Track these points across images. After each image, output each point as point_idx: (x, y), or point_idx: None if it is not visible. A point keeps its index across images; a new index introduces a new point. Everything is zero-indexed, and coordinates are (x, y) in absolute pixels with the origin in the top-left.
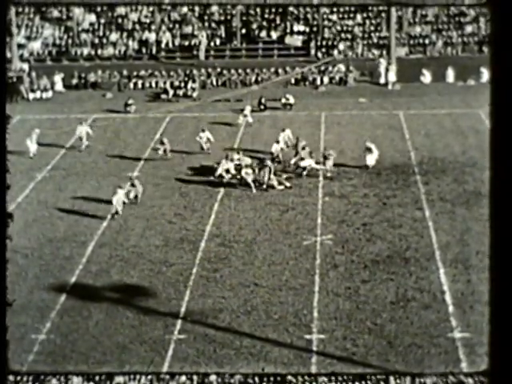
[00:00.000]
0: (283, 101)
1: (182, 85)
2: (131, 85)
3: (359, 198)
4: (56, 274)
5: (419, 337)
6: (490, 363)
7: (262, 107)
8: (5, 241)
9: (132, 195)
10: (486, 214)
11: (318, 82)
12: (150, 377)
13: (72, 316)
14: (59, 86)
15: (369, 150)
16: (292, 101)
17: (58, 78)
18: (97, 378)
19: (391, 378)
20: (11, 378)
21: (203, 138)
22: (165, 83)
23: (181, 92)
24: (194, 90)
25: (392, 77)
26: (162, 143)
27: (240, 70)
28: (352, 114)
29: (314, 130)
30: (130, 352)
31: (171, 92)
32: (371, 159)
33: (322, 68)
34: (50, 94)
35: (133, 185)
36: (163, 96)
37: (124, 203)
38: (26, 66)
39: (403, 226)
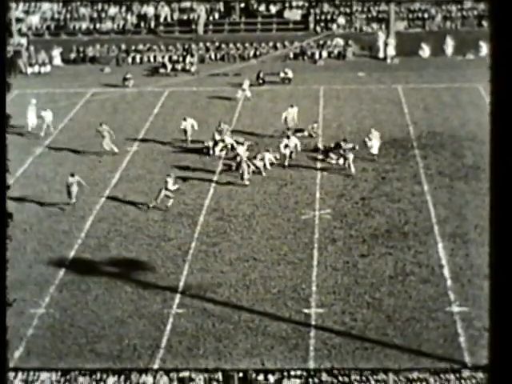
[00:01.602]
0: (282, 75)
1: (181, 59)
2: (129, 59)
3: (358, 173)
4: (55, 249)
5: (417, 311)
6: (489, 358)
7: (261, 81)
8: (5, 241)
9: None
10: (484, 187)
11: (317, 56)
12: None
13: (71, 290)
14: (57, 61)
15: (371, 139)
16: (291, 75)
17: (56, 53)
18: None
19: (390, 374)
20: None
21: (187, 127)
22: (163, 57)
23: (179, 66)
24: (192, 64)
25: (391, 51)
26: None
27: (238, 45)
28: (351, 88)
29: (313, 105)
30: (128, 326)
31: (169, 66)
32: (375, 148)
33: (321, 42)
34: (48, 68)
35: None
36: (161, 70)
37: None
38: (24, 41)
39: (402, 200)
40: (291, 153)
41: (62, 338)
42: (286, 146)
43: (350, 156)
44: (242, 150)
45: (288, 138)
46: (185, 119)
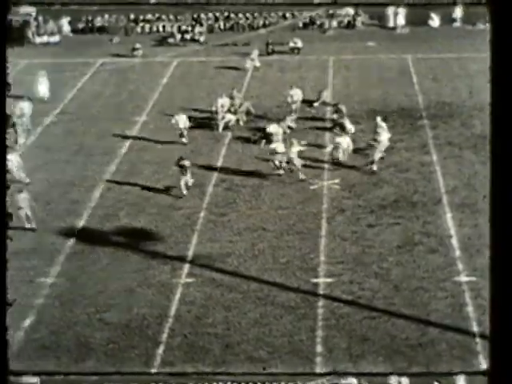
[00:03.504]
0: (291, 45)
1: (190, 29)
2: (138, 29)
3: (366, 142)
4: (64, 218)
5: (425, 280)
6: (490, 363)
7: (270, 51)
8: (5, 241)
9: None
10: None
11: (326, 25)
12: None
13: (80, 260)
14: (66, 31)
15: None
16: (300, 45)
17: (64, 22)
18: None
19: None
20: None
21: (179, 123)
22: (172, 27)
23: (188, 36)
24: (201, 34)
25: (400, 20)
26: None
27: (247, 14)
28: (360, 58)
29: (322, 75)
30: (137, 295)
31: (178, 36)
32: (384, 144)
33: (330, 12)
34: (57, 38)
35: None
36: (170, 40)
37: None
38: (32, 10)
39: (410, 170)
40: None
41: (71, 308)
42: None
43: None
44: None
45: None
46: (177, 114)
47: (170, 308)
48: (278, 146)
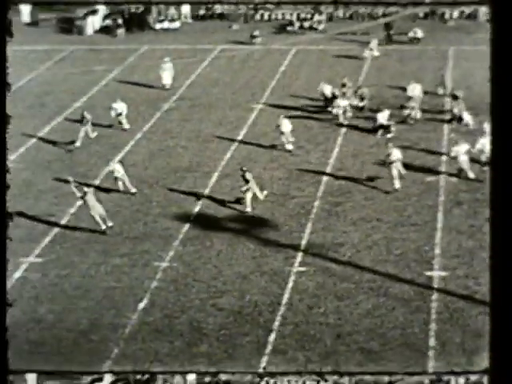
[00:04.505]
0: (411, 34)
1: (309, 17)
2: (257, 16)
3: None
4: (180, 204)
5: None
6: (490, 361)
7: (389, 41)
8: (5, 241)
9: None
10: None
11: (448, 15)
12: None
13: (195, 245)
14: (186, 17)
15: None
16: (420, 35)
17: (185, 9)
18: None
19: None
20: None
21: (282, 127)
22: (291, 15)
23: (307, 24)
24: (320, 22)
25: None
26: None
27: (367, 3)
28: (482, 49)
29: (441, 65)
30: (250, 282)
31: (297, 24)
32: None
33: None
34: (177, 24)
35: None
36: (289, 28)
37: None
38: None
39: None
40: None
41: (184, 292)
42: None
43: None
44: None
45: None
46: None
47: (283, 296)
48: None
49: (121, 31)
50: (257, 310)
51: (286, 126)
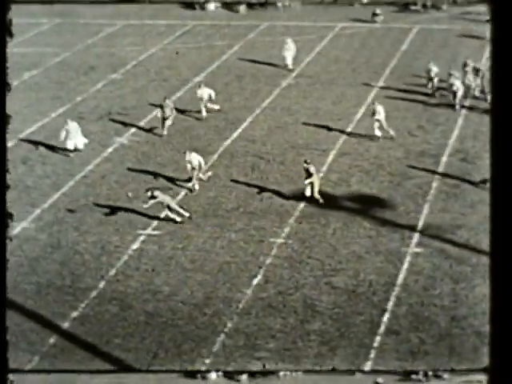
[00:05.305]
0: None
1: None
2: None
3: None
4: (296, 181)
5: None
6: (490, 360)
7: None
8: (5, 241)
9: None
10: None
11: None
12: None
13: (310, 223)
14: None
15: None
16: None
17: None
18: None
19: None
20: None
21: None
22: None
23: (429, 3)
24: (443, 0)
25: None
26: None
27: None
28: None
29: None
30: (365, 262)
31: (420, 2)
32: None
33: None
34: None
35: None
36: (412, 7)
37: None
38: None
39: None
40: None
41: (298, 269)
42: None
43: None
44: None
45: None
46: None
47: (398, 276)
48: None
49: (242, 7)
50: (371, 290)
51: (380, 112)
